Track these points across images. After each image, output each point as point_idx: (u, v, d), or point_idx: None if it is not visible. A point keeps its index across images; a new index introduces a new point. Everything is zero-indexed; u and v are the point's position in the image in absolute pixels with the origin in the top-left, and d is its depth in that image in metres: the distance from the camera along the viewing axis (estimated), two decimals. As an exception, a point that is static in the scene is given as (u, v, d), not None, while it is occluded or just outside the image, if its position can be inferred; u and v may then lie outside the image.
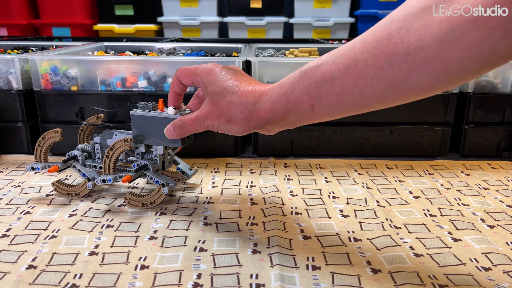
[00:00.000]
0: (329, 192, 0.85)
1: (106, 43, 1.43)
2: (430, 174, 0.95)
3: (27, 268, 0.58)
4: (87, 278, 0.57)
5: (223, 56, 1.31)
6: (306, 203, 0.80)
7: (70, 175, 0.93)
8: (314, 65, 0.52)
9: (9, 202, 0.79)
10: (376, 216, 0.75)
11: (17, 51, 1.31)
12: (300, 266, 0.60)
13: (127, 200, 0.77)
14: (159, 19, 2.20)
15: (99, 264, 0.60)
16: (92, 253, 0.63)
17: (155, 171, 0.79)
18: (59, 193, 0.82)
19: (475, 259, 0.62)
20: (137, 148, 0.79)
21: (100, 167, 0.82)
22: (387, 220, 0.73)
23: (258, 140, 1.05)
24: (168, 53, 1.35)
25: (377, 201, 0.81)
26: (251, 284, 0.56)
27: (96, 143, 0.82)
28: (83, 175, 0.80)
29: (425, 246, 0.65)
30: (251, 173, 0.95)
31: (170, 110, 0.74)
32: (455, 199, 0.83)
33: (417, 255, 0.63)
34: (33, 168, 0.81)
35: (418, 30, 0.42)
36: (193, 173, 0.87)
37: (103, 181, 0.76)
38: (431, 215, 0.76)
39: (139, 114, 0.75)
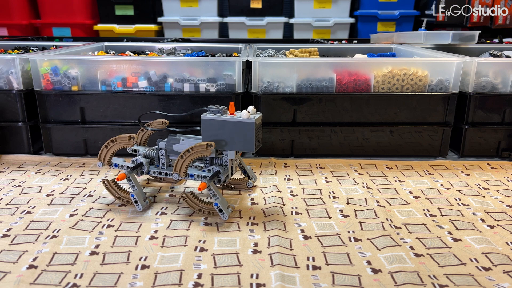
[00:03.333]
0: (329, 192, 0.85)
1: (106, 43, 1.43)
2: (430, 174, 0.95)
3: (27, 268, 0.58)
4: (88, 278, 0.57)
5: (223, 56, 1.31)
6: (306, 203, 0.80)
7: (71, 175, 0.93)
8: None
9: (9, 202, 0.80)
10: (376, 216, 0.75)
11: (17, 51, 1.31)
12: (300, 266, 0.60)
13: (184, 198, 0.74)
14: (159, 19, 2.20)
15: (100, 264, 0.60)
16: (92, 253, 0.63)
17: (226, 177, 0.75)
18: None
19: (475, 259, 0.62)
20: None
21: (166, 174, 0.78)
22: (387, 220, 0.73)
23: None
24: (168, 53, 1.36)
25: (377, 201, 0.81)
26: (251, 284, 0.56)
27: (161, 148, 0.78)
28: (132, 196, 0.76)
29: (425, 246, 0.65)
30: (252, 173, 0.95)
31: (244, 114, 0.70)
32: (455, 199, 0.83)
33: (417, 255, 0.63)
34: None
35: None
36: (254, 180, 0.87)
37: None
38: (431, 215, 0.76)
39: (210, 118, 0.72)
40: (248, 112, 0.70)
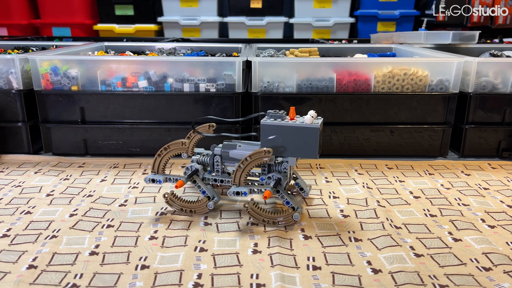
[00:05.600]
0: (330, 192, 0.85)
1: (106, 43, 1.43)
2: (430, 174, 0.95)
3: (27, 268, 0.58)
4: (88, 278, 0.57)
5: (223, 56, 1.31)
6: (306, 203, 0.80)
7: (71, 175, 0.93)
8: None
9: (9, 202, 0.79)
10: (376, 216, 0.75)
11: (17, 51, 1.31)
12: (300, 266, 0.60)
13: (248, 209, 0.71)
14: (159, 19, 2.20)
15: (100, 264, 0.60)
16: (92, 253, 0.63)
17: (285, 184, 0.73)
18: (170, 206, 0.76)
19: (475, 259, 0.62)
20: None
21: (221, 180, 0.76)
22: (388, 220, 0.73)
23: (258, 140, 1.05)
24: (168, 53, 1.35)
25: (378, 201, 0.81)
26: (251, 284, 0.56)
27: (216, 155, 0.75)
28: (203, 192, 0.75)
29: (425, 246, 0.65)
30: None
31: (308, 119, 0.67)
32: (455, 199, 0.83)
33: (417, 255, 0.63)
34: (153, 181, 0.75)
35: None
36: (309, 191, 0.82)
37: (237, 193, 0.69)
38: (431, 215, 0.76)
39: (271, 123, 0.69)
40: (312, 117, 0.67)
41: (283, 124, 0.68)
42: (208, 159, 0.76)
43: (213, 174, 0.77)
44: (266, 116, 0.71)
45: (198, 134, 0.79)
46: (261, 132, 0.70)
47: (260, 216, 0.71)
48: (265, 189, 0.69)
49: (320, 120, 0.69)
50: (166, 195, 0.75)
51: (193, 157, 0.78)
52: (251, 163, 0.69)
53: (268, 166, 0.73)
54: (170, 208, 0.77)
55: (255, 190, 0.70)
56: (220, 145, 0.75)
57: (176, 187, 0.72)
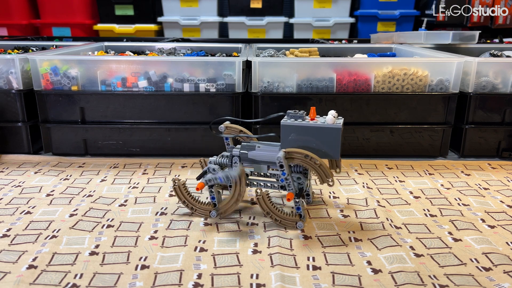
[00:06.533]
0: (329, 192, 0.85)
1: (106, 43, 1.43)
2: (430, 174, 0.95)
3: (27, 268, 0.58)
4: (88, 278, 0.57)
5: (223, 56, 1.31)
6: (306, 203, 0.80)
7: (71, 175, 0.93)
8: None
9: (9, 202, 0.79)
10: (376, 216, 0.75)
11: (17, 51, 1.31)
12: (300, 266, 0.60)
13: (257, 196, 0.70)
14: (159, 19, 2.20)
15: (100, 264, 0.60)
16: (92, 253, 0.63)
17: (306, 186, 0.72)
18: (176, 194, 0.74)
19: (475, 259, 0.62)
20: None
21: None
22: (388, 220, 0.73)
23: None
24: (168, 53, 1.35)
25: (378, 201, 0.81)
26: (251, 284, 0.56)
27: (235, 156, 0.73)
28: (212, 198, 0.74)
29: (425, 246, 0.65)
30: (252, 173, 0.95)
31: (329, 119, 0.66)
32: (455, 199, 0.83)
33: (417, 255, 0.63)
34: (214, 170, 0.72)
35: None
36: (312, 197, 0.82)
37: (281, 166, 0.67)
38: (431, 215, 0.76)
39: (291, 124, 0.68)
40: (334, 117, 0.67)
41: (304, 124, 0.68)
42: (226, 160, 0.75)
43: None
44: (286, 117, 0.70)
45: (216, 135, 0.78)
46: (282, 133, 0.69)
47: (267, 208, 0.70)
48: (289, 191, 0.68)
49: (341, 120, 0.68)
50: (175, 182, 0.73)
51: (210, 158, 0.76)
52: (311, 165, 0.67)
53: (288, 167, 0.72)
54: (174, 197, 0.75)
55: (285, 184, 0.69)
56: (239, 146, 0.74)
57: (197, 189, 0.72)
